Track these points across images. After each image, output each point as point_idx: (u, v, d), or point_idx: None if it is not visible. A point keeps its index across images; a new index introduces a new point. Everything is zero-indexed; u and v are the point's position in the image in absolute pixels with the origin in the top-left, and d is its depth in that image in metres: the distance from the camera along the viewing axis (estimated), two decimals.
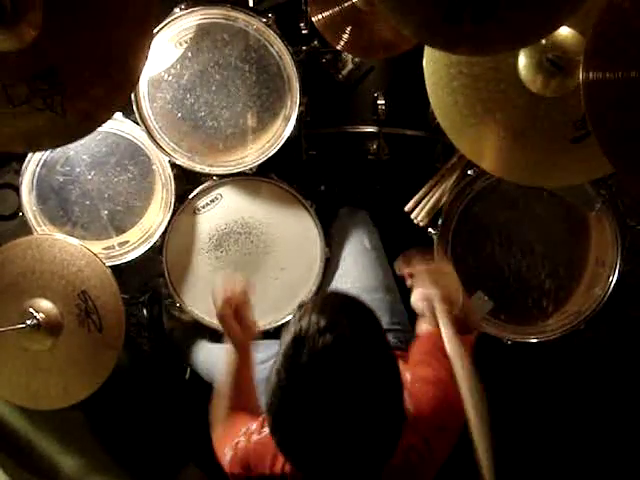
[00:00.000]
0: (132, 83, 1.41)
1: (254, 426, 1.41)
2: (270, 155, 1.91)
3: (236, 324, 1.60)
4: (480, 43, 1.35)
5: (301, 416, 1.09)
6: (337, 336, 1.08)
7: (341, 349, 1.08)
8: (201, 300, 2.04)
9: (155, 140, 1.90)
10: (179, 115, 1.93)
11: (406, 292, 1.90)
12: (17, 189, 1.94)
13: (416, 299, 1.56)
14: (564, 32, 1.52)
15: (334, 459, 1.10)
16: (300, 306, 1.17)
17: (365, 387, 1.09)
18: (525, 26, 1.32)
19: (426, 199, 2.01)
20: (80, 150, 1.96)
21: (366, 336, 1.13)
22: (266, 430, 1.39)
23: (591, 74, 1.27)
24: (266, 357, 1.87)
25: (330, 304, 1.16)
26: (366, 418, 1.09)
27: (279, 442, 1.14)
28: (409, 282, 1.63)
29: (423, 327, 1.56)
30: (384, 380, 1.13)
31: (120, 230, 2.05)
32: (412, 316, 1.87)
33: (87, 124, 1.39)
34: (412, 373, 1.42)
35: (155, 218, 2.00)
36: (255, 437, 1.38)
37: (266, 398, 1.13)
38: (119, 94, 1.40)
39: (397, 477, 1.26)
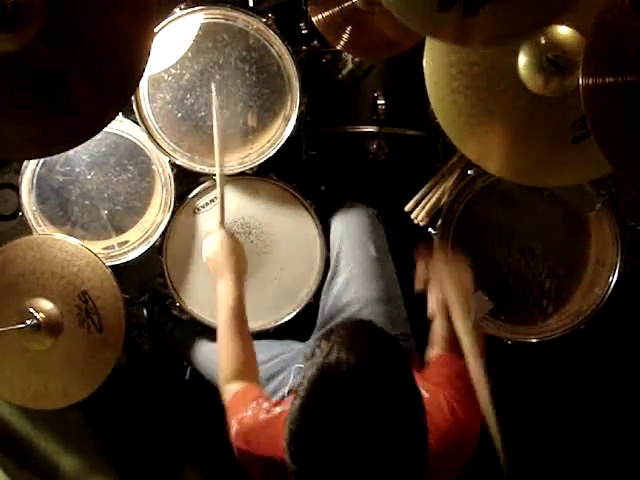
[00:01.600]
0: (135, 81, 1.40)
1: (265, 404, 1.41)
2: (270, 155, 1.91)
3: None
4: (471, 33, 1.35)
5: (326, 457, 1.08)
6: (367, 375, 1.08)
7: (370, 389, 1.08)
8: (201, 300, 2.04)
9: (155, 140, 1.90)
10: (179, 115, 1.93)
11: (410, 295, 1.92)
12: (17, 189, 1.94)
13: (432, 306, 1.60)
14: (564, 32, 1.52)
15: None
16: (326, 335, 1.15)
17: (392, 427, 1.08)
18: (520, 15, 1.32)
19: (426, 199, 2.01)
20: (80, 150, 1.96)
21: (395, 375, 1.13)
22: (275, 410, 1.39)
23: (590, 78, 1.27)
24: (267, 357, 1.88)
25: (359, 340, 1.13)
26: (392, 457, 1.08)
27: (297, 474, 1.12)
28: (419, 287, 1.66)
29: (434, 352, 1.57)
30: (412, 419, 1.12)
31: (120, 230, 2.05)
32: (413, 319, 1.89)
33: (94, 124, 1.39)
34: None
35: (155, 218, 2.00)
36: (263, 416, 1.38)
37: (287, 432, 1.12)
38: (122, 93, 1.40)
39: None
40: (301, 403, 1.11)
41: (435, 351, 1.57)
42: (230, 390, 1.54)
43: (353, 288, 1.91)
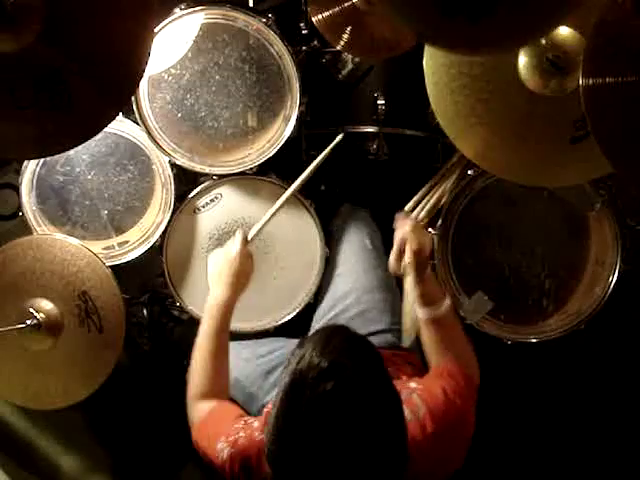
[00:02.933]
0: (135, 81, 1.41)
1: (255, 423, 1.38)
2: (270, 155, 1.91)
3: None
4: (479, 41, 1.35)
5: (301, 462, 1.07)
6: (339, 378, 1.06)
7: (343, 391, 1.06)
8: (201, 300, 2.03)
9: (155, 140, 1.90)
10: (179, 115, 1.93)
11: None
12: (17, 189, 1.94)
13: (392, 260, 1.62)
14: (564, 32, 1.52)
15: None
16: (300, 343, 1.14)
17: (368, 429, 1.07)
18: (524, 23, 1.32)
19: (426, 199, 2.00)
20: (80, 150, 1.96)
21: (369, 377, 1.11)
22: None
23: (590, 78, 1.27)
24: (267, 351, 1.88)
25: (331, 344, 1.12)
26: (368, 461, 1.08)
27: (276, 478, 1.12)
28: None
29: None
30: (387, 423, 1.12)
31: (120, 230, 2.05)
32: None
33: (94, 124, 1.39)
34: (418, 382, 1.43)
35: (155, 218, 2.00)
36: (258, 435, 1.35)
37: (266, 441, 1.11)
38: (122, 93, 1.40)
39: None
40: (276, 410, 1.10)
41: (434, 359, 1.55)
42: (202, 408, 1.51)
43: (351, 278, 1.94)
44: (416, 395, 1.36)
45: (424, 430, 1.32)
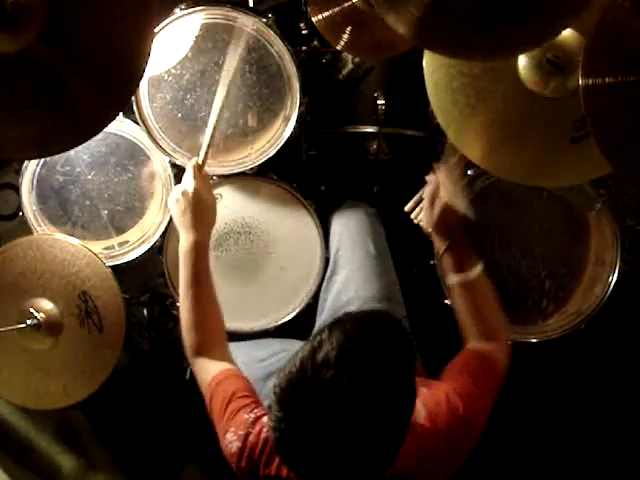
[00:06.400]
0: (135, 81, 1.41)
1: (264, 418, 1.36)
2: (270, 155, 1.91)
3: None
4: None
5: (305, 447, 1.09)
6: (355, 371, 1.07)
7: (357, 385, 1.07)
8: None
9: (155, 140, 1.90)
10: (179, 115, 1.93)
11: (410, 294, 1.92)
12: (17, 189, 1.94)
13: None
14: (564, 32, 1.51)
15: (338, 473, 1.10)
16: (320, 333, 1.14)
17: (374, 424, 1.08)
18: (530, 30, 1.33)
19: None
20: (80, 150, 1.96)
21: (384, 360, 1.11)
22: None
23: (590, 78, 1.27)
24: (266, 355, 1.87)
25: (361, 332, 1.12)
26: (371, 437, 1.09)
27: (279, 450, 1.14)
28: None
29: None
30: (394, 419, 1.13)
31: (120, 230, 2.05)
32: (413, 320, 1.89)
33: (94, 124, 1.39)
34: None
35: (155, 218, 2.00)
36: (267, 432, 1.34)
37: (271, 420, 1.12)
38: (123, 93, 1.40)
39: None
40: (281, 387, 1.11)
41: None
42: (206, 369, 1.49)
43: (353, 286, 1.91)
44: (419, 401, 1.36)
45: (424, 430, 1.32)
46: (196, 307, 1.55)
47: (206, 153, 1.76)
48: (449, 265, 1.54)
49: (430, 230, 1.60)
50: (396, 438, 1.14)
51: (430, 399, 1.37)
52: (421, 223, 1.61)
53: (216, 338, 1.55)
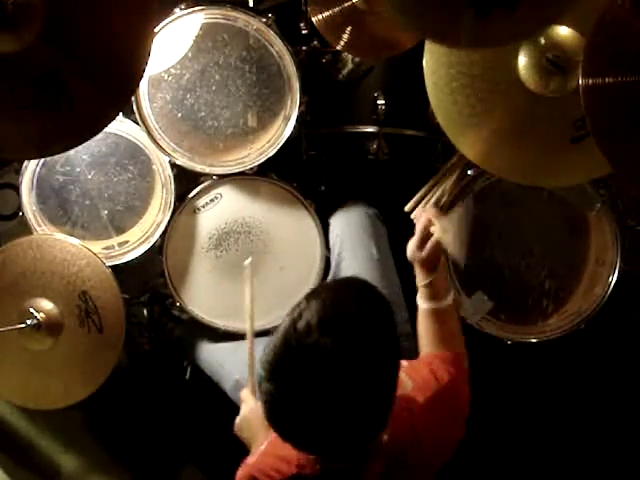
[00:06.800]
0: (135, 81, 1.41)
1: (262, 447, 1.38)
2: (270, 155, 1.91)
3: None
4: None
5: (296, 405, 1.09)
6: (339, 333, 1.08)
7: (341, 348, 1.08)
8: (201, 300, 2.04)
9: (155, 140, 1.90)
10: (179, 115, 1.93)
11: (412, 296, 1.91)
12: (17, 189, 1.94)
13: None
14: (564, 32, 1.51)
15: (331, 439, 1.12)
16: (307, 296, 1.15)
17: (360, 388, 1.09)
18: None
19: (426, 199, 2.00)
20: (80, 150, 1.96)
21: (370, 333, 1.12)
22: (264, 443, 1.38)
23: (590, 78, 1.27)
24: None
25: (339, 299, 1.13)
26: (358, 404, 1.10)
27: (271, 419, 1.14)
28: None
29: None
30: (380, 383, 1.13)
31: (120, 230, 2.05)
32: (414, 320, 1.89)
33: (94, 124, 1.39)
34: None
35: (155, 218, 2.00)
36: (260, 450, 1.36)
37: (262, 394, 1.12)
38: (123, 93, 1.40)
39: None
40: (268, 361, 1.11)
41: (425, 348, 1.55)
42: None
43: None
44: (403, 373, 1.36)
45: (415, 402, 1.33)
46: None
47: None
48: (426, 294, 1.55)
49: (415, 263, 1.60)
50: (385, 398, 1.15)
51: (415, 372, 1.39)
52: (408, 254, 1.61)
53: None
